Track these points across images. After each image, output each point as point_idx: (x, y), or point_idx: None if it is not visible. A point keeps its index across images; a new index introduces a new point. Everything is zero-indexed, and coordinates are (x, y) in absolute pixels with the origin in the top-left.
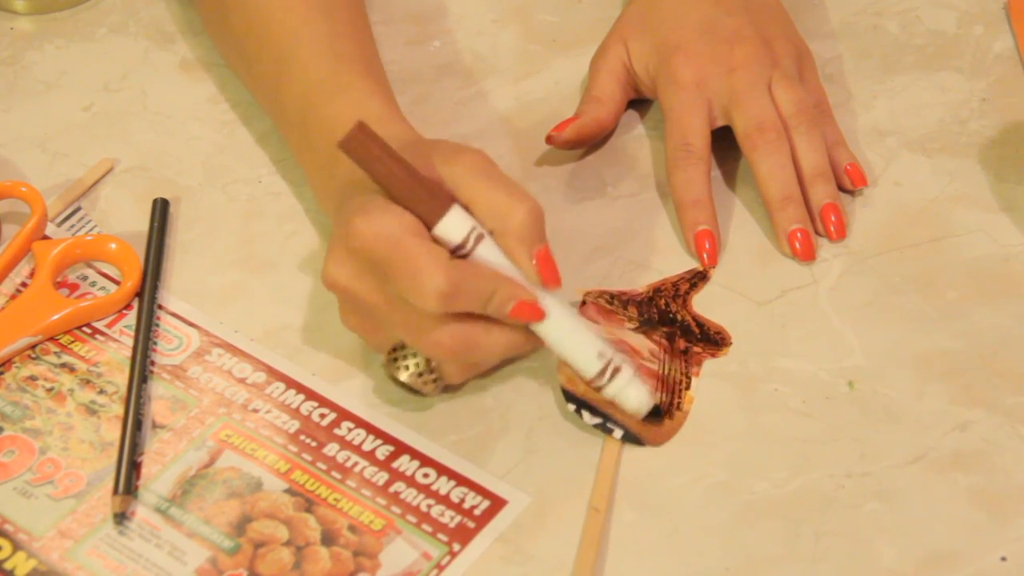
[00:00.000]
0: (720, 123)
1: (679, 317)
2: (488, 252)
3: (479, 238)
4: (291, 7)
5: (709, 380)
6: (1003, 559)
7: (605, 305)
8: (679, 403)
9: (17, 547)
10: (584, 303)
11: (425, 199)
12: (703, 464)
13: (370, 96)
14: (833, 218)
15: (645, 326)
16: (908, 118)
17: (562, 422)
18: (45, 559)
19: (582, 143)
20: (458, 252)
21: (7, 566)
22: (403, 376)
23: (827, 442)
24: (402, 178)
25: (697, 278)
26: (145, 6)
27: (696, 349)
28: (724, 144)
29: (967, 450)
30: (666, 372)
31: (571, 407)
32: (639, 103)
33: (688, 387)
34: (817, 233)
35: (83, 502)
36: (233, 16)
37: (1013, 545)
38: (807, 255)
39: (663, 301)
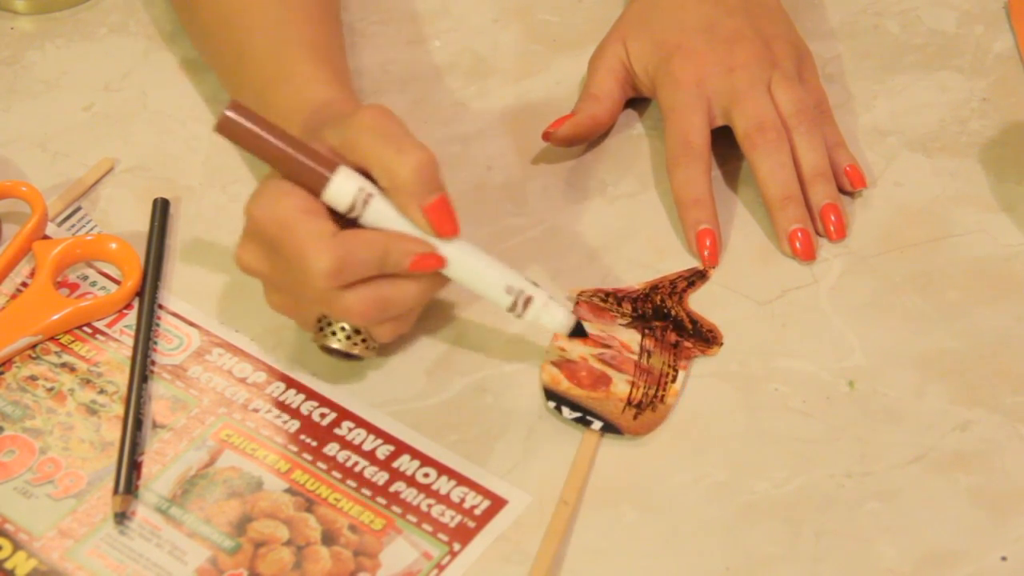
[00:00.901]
0: (720, 123)
1: (673, 312)
2: (380, 210)
3: (367, 198)
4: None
5: (709, 380)
6: (1003, 559)
7: (599, 303)
8: (663, 396)
9: (17, 547)
10: (578, 303)
11: (308, 169)
12: (703, 464)
13: (311, 82)
14: (833, 218)
15: (637, 321)
16: (908, 118)
17: (562, 422)
18: (45, 559)
19: (579, 140)
20: (350, 215)
21: (7, 566)
22: (334, 343)
23: (827, 442)
24: (282, 152)
25: (696, 276)
26: (145, 6)
27: (687, 344)
28: (724, 144)
29: (967, 450)
30: (654, 365)
31: (551, 404)
32: (638, 102)
33: (674, 380)
34: (817, 233)
35: (83, 502)
36: (200, 14)
37: (1013, 545)
38: (807, 255)
39: (659, 297)
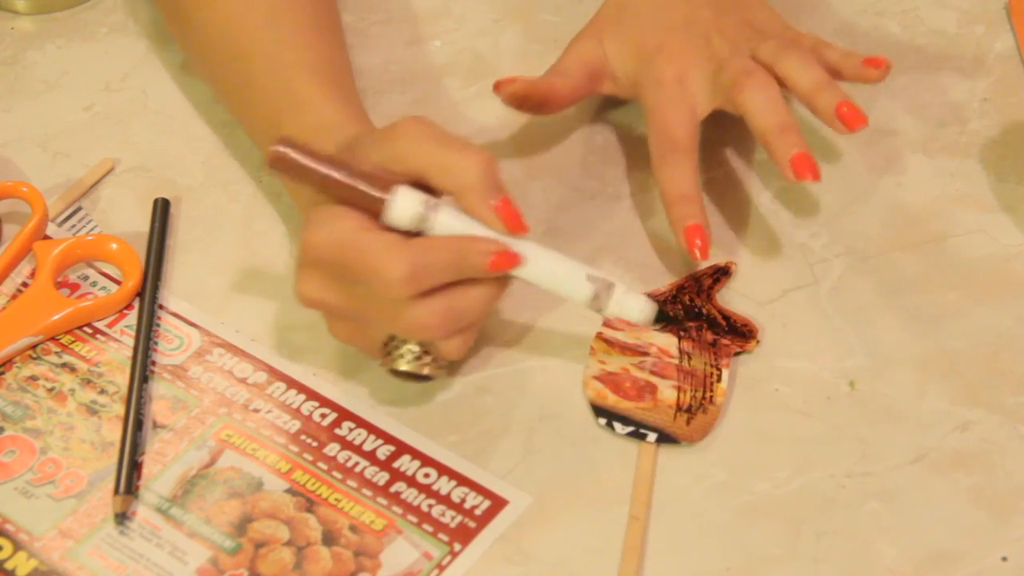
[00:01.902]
0: (708, 108)
1: (704, 311)
2: (449, 217)
3: (434, 208)
4: (239, 24)
5: None
6: (1004, 559)
7: None
8: (712, 396)
9: (18, 547)
10: None
11: (365, 192)
12: (703, 464)
13: (318, 107)
14: (847, 109)
15: (671, 324)
16: (908, 118)
17: (563, 422)
18: (46, 559)
19: (528, 104)
20: (417, 228)
21: (8, 566)
22: (403, 365)
23: (828, 442)
24: (336, 179)
25: (720, 273)
26: (145, 6)
27: (724, 341)
28: (722, 145)
29: (968, 450)
30: (696, 366)
31: (602, 421)
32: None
33: (719, 379)
34: (837, 131)
35: (84, 502)
36: (198, 47)
37: (1014, 545)
38: (812, 174)
39: (687, 297)
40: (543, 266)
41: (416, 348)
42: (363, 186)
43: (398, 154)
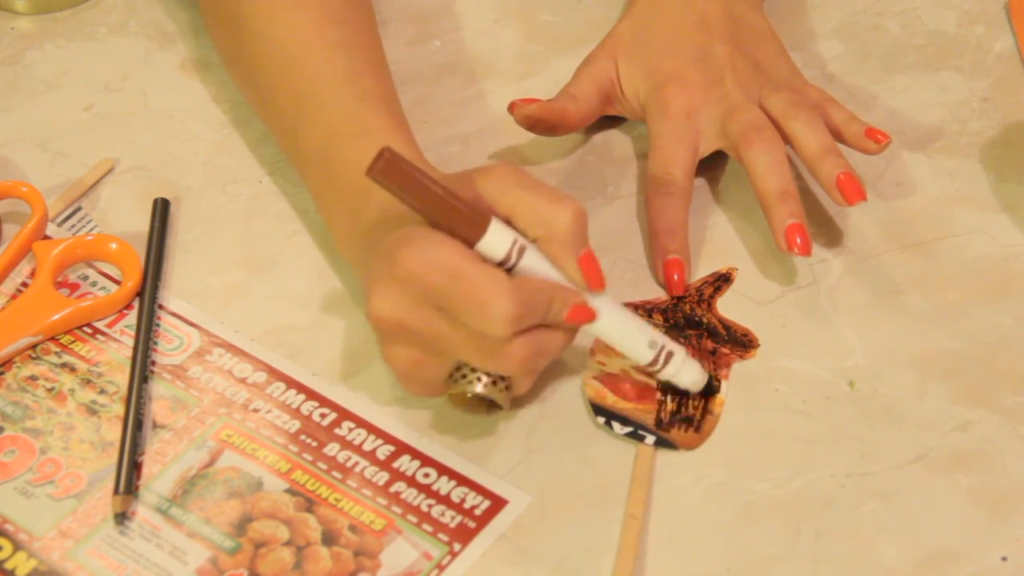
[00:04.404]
0: (710, 149)
1: (705, 320)
2: (532, 262)
3: (522, 250)
4: (309, 41)
5: None
6: (1003, 559)
7: None
8: (709, 406)
9: (18, 547)
10: None
11: (464, 218)
12: (703, 464)
13: (394, 138)
14: (847, 181)
15: (671, 331)
16: (908, 118)
17: (563, 422)
18: (46, 559)
19: (541, 126)
20: (502, 266)
21: (8, 566)
22: (480, 388)
23: (828, 442)
24: (438, 199)
25: (721, 281)
26: (145, 6)
27: (724, 350)
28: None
29: (967, 450)
30: None
31: (600, 420)
32: None
33: (717, 390)
34: (835, 200)
35: (84, 502)
36: (247, 50)
37: (1013, 545)
38: (805, 250)
39: (688, 306)
40: (612, 325)
41: (489, 375)
42: (464, 210)
43: (488, 193)
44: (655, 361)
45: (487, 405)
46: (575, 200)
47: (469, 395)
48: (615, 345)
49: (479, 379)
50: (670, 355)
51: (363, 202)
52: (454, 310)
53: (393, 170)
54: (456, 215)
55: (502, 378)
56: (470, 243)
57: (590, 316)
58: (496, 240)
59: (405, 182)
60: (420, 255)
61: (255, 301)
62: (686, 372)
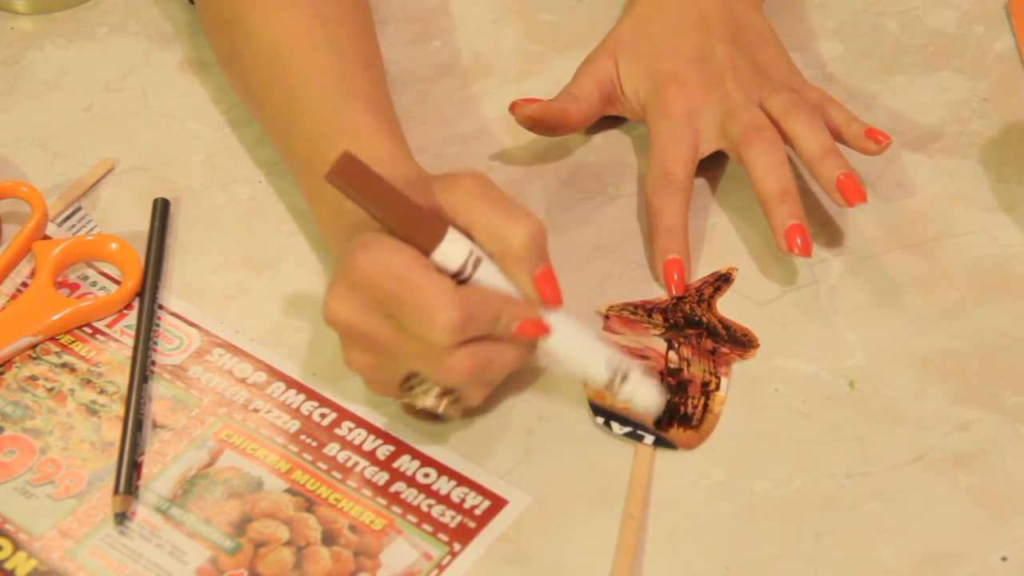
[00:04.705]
0: (710, 149)
1: (705, 320)
2: (487, 275)
3: (477, 262)
4: (300, 41)
5: None
6: (1003, 559)
7: (629, 316)
8: (709, 405)
9: (18, 547)
10: (608, 317)
11: (420, 226)
12: (703, 464)
13: (377, 137)
14: (848, 182)
15: (671, 331)
16: (908, 118)
17: (562, 422)
18: (46, 559)
19: (541, 126)
20: (457, 277)
21: (8, 566)
22: (426, 402)
23: (828, 442)
24: (394, 206)
25: (721, 281)
26: (145, 6)
27: (724, 350)
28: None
29: (967, 450)
30: (694, 372)
31: (599, 420)
32: None
33: (717, 388)
34: (835, 201)
35: (84, 502)
36: (242, 51)
37: (1013, 545)
38: (806, 250)
39: (688, 306)
40: (567, 343)
41: (436, 387)
42: (421, 219)
43: (450, 204)
44: (611, 382)
45: (435, 414)
46: (533, 217)
47: (404, 407)
48: (570, 363)
49: (425, 392)
50: (625, 376)
51: (345, 202)
52: (400, 316)
53: (351, 174)
54: (413, 223)
55: (451, 390)
56: (426, 251)
57: (542, 331)
58: (452, 250)
59: (363, 187)
60: (373, 260)
61: (255, 301)
62: (643, 392)
